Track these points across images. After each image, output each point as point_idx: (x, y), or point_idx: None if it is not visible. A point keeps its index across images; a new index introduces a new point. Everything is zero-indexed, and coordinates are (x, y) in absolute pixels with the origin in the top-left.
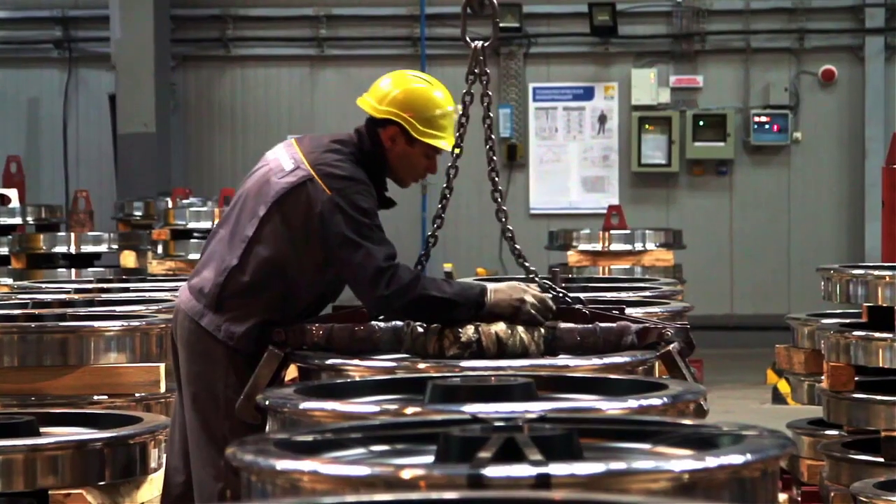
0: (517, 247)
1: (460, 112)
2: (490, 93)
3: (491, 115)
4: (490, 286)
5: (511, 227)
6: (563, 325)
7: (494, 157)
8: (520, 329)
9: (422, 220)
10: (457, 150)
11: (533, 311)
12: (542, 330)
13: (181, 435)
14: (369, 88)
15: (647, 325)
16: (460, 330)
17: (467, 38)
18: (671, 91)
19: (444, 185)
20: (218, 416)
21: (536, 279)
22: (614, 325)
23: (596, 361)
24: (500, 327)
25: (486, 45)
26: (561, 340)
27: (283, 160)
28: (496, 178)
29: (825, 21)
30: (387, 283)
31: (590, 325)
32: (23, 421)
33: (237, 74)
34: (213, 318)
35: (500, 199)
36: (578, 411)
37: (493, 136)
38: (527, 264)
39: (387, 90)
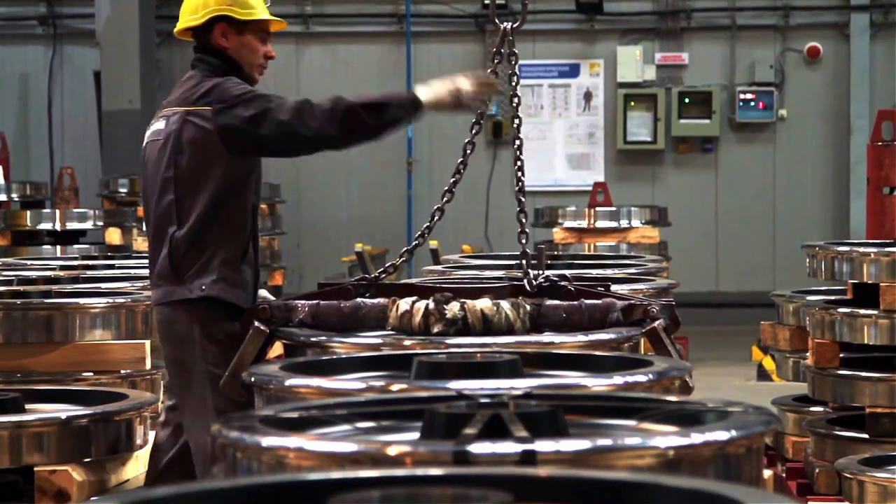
0: (526, 231)
1: None
2: (518, 72)
3: (519, 94)
4: (420, 87)
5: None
6: (548, 301)
7: (520, 137)
8: (505, 306)
9: (408, 198)
10: (476, 127)
11: (472, 93)
12: (528, 307)
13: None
14: (180, 15)
15: (632, 301)
16: (446, 307)
17: (496, 20)
18: (657, 68)
19: (460, 160)
20: (208, 393)
21: (524, 262)
22: (600, 301)
23: (581, 338)
24: (485, 304)
25: (514, 25)
26: (546, 317)
27: (155, 127)
28: (521, 158)
29: None
30: (311, 115)
31: (575, 302)
32: (8, 398)
33: None
34: (182, 287)
35: (522, 178)
36: (564, 388)
37: (519, 115)
38: (523, 241)
39: (193, 1)
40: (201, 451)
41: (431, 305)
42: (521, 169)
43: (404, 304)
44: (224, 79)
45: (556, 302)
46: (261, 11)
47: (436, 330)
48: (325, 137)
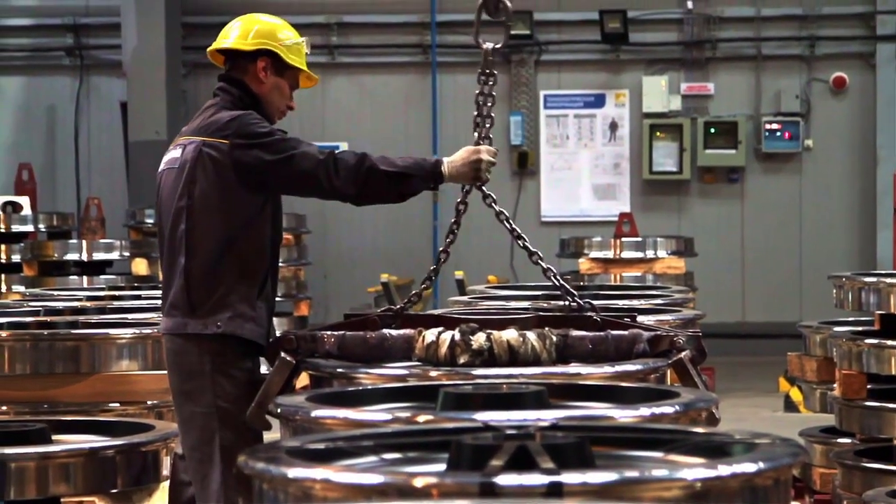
0: (541, 263)
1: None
2: (494, 93)
3: (492, 115)
4: (445, 158)
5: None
6: (574, 332)
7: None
8: (531, 337)
9: (433, 229)
10: (467, 187)
11: (489, 168)
12: (554, 338)
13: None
14: (220, 35)
15: (658, 332)
16: (472, 338)
17: (479, 40)
18: (682, 98)
19: (453, 220)
20: (215, 427)
21: (546, 270)
22: (626, 332)
23: (608, 369)
24: (511, 335)
25: (496, 46)
26: (573, 348)
27: (172, 155)
28: (491, 194)
29: (836, 28)
30: (335, 172)
31: (601, 333)
32: (35, 428)
33: None
34: (196, 321)
35: (504, 219)
36: (590, 419)
37: (490, 136)
38: (535, 257)
39: (248, 27)
40: (199, 482)
41: (457, 336)
42: (500, 213)
43: (430, 334)
44: (244, 112)
45: (583, 333)
46: (303, 62)
47: (462, 361)
48: (343, 195)
